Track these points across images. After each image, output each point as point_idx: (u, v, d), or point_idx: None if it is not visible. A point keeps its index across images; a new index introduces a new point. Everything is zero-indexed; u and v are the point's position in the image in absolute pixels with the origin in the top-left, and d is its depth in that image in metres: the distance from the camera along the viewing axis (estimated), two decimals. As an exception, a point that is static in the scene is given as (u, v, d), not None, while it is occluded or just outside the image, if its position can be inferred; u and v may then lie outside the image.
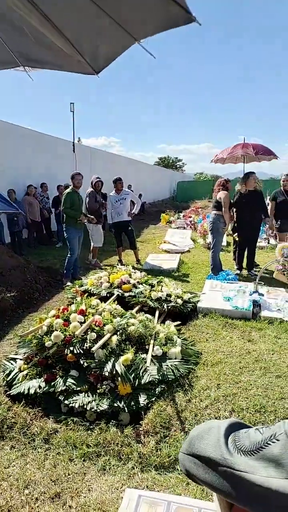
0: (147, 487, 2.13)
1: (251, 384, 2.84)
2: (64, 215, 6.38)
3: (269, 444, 0.62)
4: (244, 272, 6.52)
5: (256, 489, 0.60)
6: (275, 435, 0.63)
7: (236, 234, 6.65)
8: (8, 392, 2.98)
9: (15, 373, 3.13)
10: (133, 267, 5.82)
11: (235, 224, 6.48)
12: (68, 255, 6.28)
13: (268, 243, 8.90)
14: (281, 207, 6.57)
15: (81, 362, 3.00)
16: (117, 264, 6.85)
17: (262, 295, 4.47)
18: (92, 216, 6.70)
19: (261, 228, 7.61)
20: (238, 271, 6.44)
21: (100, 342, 3.05)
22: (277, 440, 0.62)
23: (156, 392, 2.77)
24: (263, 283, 5.04)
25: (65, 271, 6.34)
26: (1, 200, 6.74)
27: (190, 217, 13.39)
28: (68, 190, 6.42)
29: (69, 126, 12.74)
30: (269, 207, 6.70)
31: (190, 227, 12.15)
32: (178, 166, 56.91)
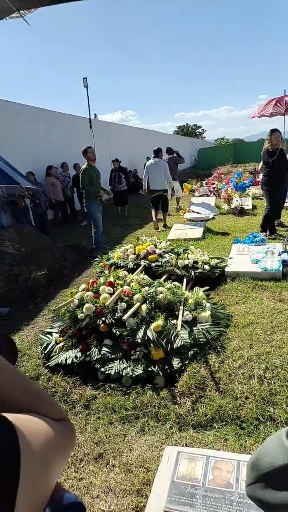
0: (186, 444, 2.19)
1: (284, 342, 2.82)
2: (84, 192, 6.43)
3: None
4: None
5: None
6: None
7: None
8: (47, 364, 3.10)
9: (52, 346, 3.25)
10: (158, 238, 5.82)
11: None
12: (94, 230, 6.39)
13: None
14: None
15: (114, 331, 3.07)
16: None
17: (292, 254, 4.37)
18: (109, 190, 6.75)
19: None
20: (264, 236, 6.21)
21: (131, 311, 3.10)
22: None
23: (189, 355, 2.80)
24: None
25: (94, 246, 6.48)
26: (21, 175, 6.67)
27: (213, 183, 13.10)
28: (83, 166, 6.38)
29: (84, 103, 12.56)
30: None
31: (214, 194, 11.90)
32: (198, 133, 55.37)
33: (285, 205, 7.44)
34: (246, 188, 10.97)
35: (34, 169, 9.07)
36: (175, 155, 9.81)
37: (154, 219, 8.42)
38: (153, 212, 8.47)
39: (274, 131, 5.91)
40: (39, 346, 3.38)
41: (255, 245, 5.01)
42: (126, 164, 13.72)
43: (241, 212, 8.78)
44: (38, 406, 0.60)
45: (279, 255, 4.37)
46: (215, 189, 12.23)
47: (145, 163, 8.47)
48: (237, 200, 9.19)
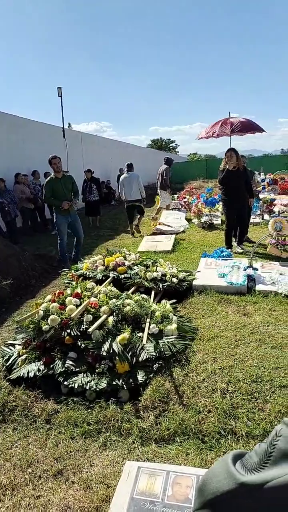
0: (147, 459, 2.17)
1: (247, 356, 2.88)
2: None
3: (275, 444, 0.57)
4: (234, 246, 6.51)
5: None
6: (277, 433, 0.59)
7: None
8: (8, 377, 3.01)
9: (14, 358, 3.16)
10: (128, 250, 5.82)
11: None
12: (58, 241, 6.32)
13: (262, 218, 8.88)
14: None
15: (79, 343, 3.03)
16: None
17: (257, 269, 4.48)
18: (75, 201, 6.55)
19: (255, 204, 7.60)
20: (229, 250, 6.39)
21: (97, 323, 3.07)
22: (279, 436, 0.58)
23: (154, 368, 2.80)
24: (257, 258, 5.06)
25: (61, 257, 6.40)
26: None
27: (184, 197, 13.30)
28: (48, 178, 6.33)
29: (59, 113, 12.56)
30: None
31: (185, 207, 12.08)
32: (171, 147, 56.36)
33: (252, 220, 7.66)
34: (216, 203, 11.20)
35: (5, 176, 8.94)
36: (170, 169, 10.24)
37: (130, 228, 9.07)
38: (129, 223, 9.04)
39: (226, 152, 6.11)
40: (1, 359, 3.28)
41: (222, 259, 5.11)
42: (100, 175, 13.73)
43: (210, 226, 8.96)
44: None
45: (245, 269, 4.47)
46: (186, 203, 12.42)
47: (118, 175, 8.65)
48: (206, 215, 9.37)
